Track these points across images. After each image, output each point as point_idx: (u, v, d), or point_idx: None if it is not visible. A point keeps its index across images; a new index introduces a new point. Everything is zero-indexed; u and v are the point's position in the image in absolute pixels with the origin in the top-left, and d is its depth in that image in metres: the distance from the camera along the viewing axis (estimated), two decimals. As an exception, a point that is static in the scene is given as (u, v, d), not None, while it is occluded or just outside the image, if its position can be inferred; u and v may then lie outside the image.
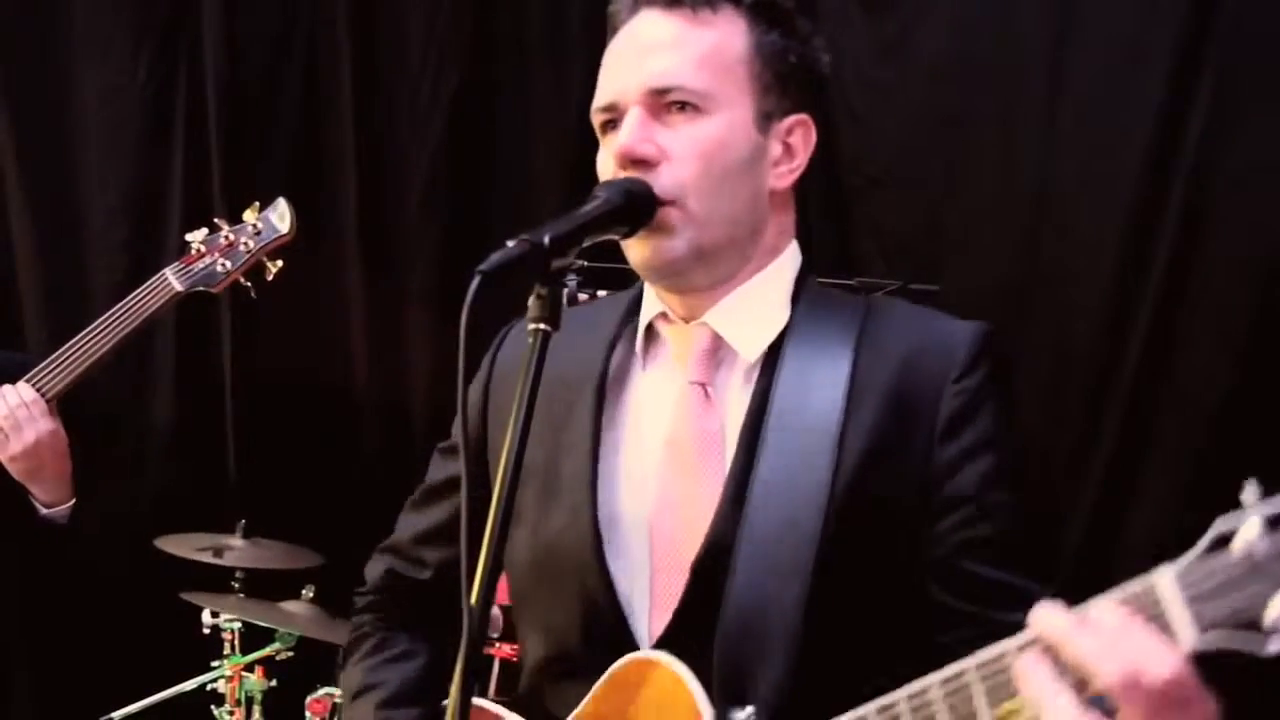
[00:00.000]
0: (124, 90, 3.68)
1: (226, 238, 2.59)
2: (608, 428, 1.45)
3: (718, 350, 1.43)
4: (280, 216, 2.62)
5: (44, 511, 2.53)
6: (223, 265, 2.58)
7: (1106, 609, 0.97)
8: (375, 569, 1.70)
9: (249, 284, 2.64)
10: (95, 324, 2.52)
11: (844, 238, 3.43)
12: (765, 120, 1.42)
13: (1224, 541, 0.92)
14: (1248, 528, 0.90)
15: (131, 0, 3.67)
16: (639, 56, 1.40)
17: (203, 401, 3.73)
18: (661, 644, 1.32)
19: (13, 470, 2.49)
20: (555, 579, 1.39)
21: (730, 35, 1.41)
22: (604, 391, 1.46)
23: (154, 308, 2.54)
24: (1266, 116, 2.97)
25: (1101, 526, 3.11)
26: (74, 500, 2.55)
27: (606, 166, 1.42)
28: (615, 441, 1.45)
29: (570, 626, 1.39)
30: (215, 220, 2.63)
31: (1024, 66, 3.23)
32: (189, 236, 2.61)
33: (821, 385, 1.36)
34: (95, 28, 3.67)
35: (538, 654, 1.45)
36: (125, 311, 2.52)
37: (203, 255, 2.58)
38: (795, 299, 1.45)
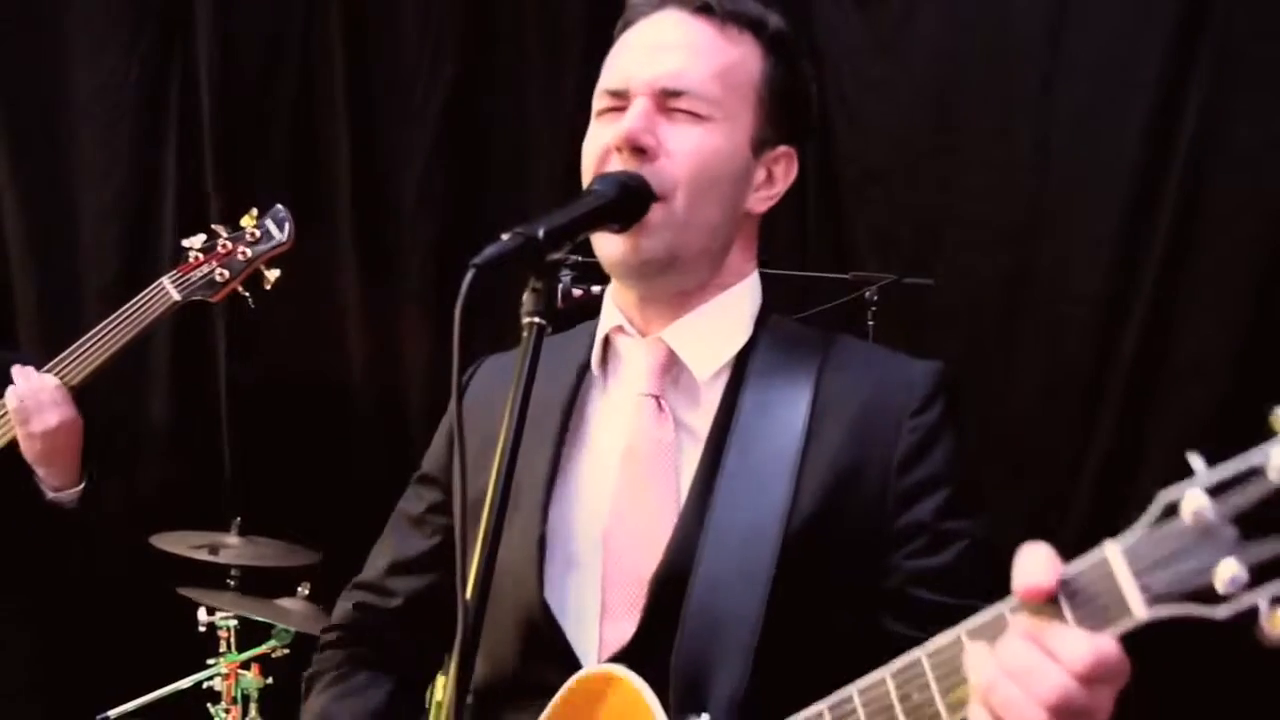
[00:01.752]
0: (118, 89, 3.68)
1: (224, 245, 2.55)
2: (571, 444, 1.47)
3: (672, 366, 1.45)
4: (279, 224, 2.57)
5: (51, 495, 2.54)
6: (221, 274, 2.53)
7: (1017, 649, 0.98)
8: (343, 605, 1.68)
9: (247, 294, 2.61)
10: (97, 328, 2.51)
11: (839, 231, 3.44)
12: (759, 145, 1.45)
13: (1170, 512, 0.92)
14: (1194, 496, 0.90)
15: (125, -1, 3.68)
16: (658, 51, 1.41)
17: (198, 399, 3.73)
18: (622, 654, 1.33)
19: (28, 450, 2.49)
20: (498, 594, 1.39)
21: (748, 58, 1.44)
22: (570, 411, 1.48)
23: (152, 317, 2.52)
24: (1261, 110, 2.98)
25: (1099, 522, 3.11)
26: (83, 485, 2.55)
27: (595, 148, 1.42)
28: (577, 456, 1.46)
29: (508, 642, 1.40)
30: (213, 227, 2.59)
31: (1019, 60, 3.24)
32: (186, 243, 2.57)
33: (783, 410, 1.39)
34: (89, 26, 3.67)
35: (481, 674, 1.45)
36: (123, 320, 2.51)
37: (200, 263, 2.54)
38: (758, 326, 1.48)
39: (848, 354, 1.46)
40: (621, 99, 1.41)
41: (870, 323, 2.99)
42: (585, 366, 1.51)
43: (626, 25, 1.48)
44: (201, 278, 2.54)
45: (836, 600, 1.34)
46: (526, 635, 1.38)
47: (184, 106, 3.70)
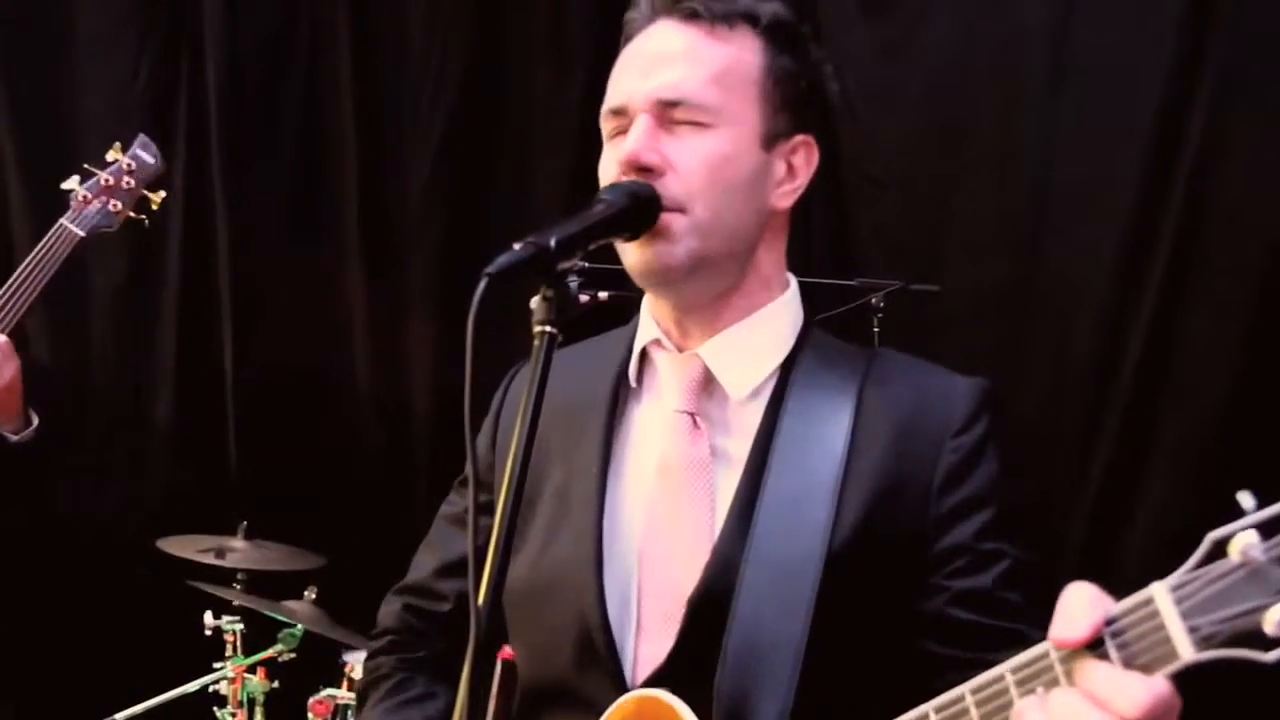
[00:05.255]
0: (126, 90, 3.69)
1: (105, 180, 2.72)
2: (613, 454, 1.47)
3: (708, 383, 1.44)
4: (147, 150, 2.78)
5: (12, 439, 2.58)
6: (114, 205, 2.72)
7: (1068, 702, 0.97)
8: (390, 610, 1.68)
9: (143, 217, 2.78)
10: (13, 278, 2.60)
11: (845, 238, 3.44)
12: (771, 139, 1.43)
13: (1219, 552, 0.91)
14: (1243, 535, 0.89)
15: (133, 0, 3.69)
16: (651, 65, 1.41)
17: (204, 402, 3.74)
18: (658, 673, 1.33)
19: None
20: (553, 599, 1.40)
21: (745, 53, 1.42)
22: (614, 417, 1.48)
23: (63, 256, 2.64)
24: (1267, 115, 2.98)
25: (1102, 527, 3.11)
26: (36, 422, 2.61)
27: (609, 170, 1.42)
28: (618, 468, 1.46)
29: (560, 647, 1.40)
30: (85, 167, 2.75)
31: (1024, 67, 3.23)
32: (65, 185, 2.72)
33: (824, 428, 1.38)
34: (97, 28, 3.68)
35: (525, 674, 1.46)
36: (36, 265, 2.61)
37: (91, 200, 2.70)
38: (799, 344, 1.47)
39: (889, 369, 1.45)
40: (624, 118, 1.41)
41: (875, 329, 2.99)
42: (622, 375, 1.50)
43: (626, 42, 1.48)
44: (97, 212, 2.72)
45: (879, 621, 1.34)
46: (581, 644, 1.38)
47: (191, 109, 3.72)
